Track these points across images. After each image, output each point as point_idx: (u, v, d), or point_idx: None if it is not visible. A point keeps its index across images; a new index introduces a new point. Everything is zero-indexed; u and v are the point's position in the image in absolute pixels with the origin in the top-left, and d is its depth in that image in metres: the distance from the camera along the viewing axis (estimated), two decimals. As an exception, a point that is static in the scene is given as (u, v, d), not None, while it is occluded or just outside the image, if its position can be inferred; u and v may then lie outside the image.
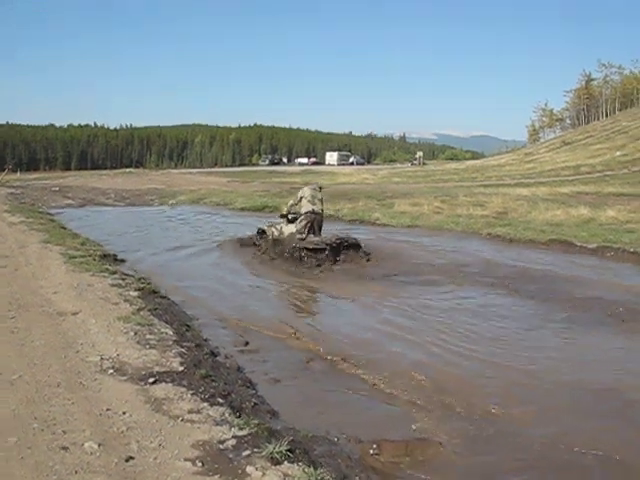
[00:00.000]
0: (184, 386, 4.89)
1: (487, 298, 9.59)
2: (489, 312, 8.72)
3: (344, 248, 12.55)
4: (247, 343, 7.01)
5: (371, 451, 4.49)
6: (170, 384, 4.91)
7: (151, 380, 4.94)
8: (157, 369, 5.24)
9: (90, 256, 10.81)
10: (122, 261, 11.96)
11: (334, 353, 6.71)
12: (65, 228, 16.24)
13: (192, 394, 4.73)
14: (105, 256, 11.44)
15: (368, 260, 12.49)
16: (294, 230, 12.86)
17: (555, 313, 8.71)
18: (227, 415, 4.40)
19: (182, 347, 5.98)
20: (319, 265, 11.97)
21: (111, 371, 5.12)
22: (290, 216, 13.37)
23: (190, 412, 4.39)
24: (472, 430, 4.91)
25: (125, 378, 4.98)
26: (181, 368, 5.31)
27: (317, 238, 12.57)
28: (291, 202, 13.80)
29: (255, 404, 4.99)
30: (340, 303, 9.54)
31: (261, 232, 13.83)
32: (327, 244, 12.30)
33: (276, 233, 13.25)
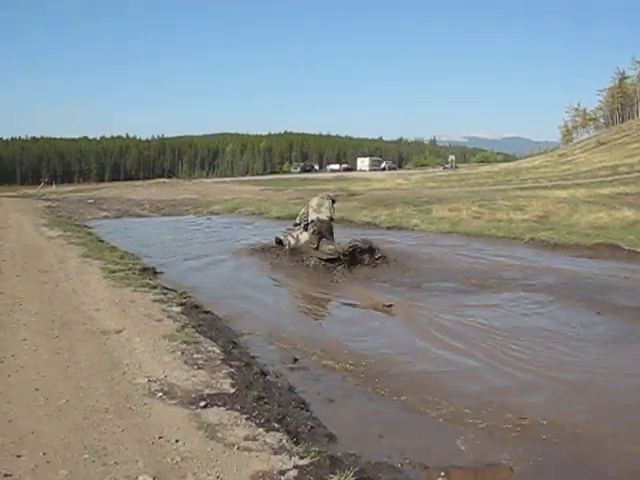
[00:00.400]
0: (237, 410, 4.67)
1: (535, 307, 9.20)
2: (540, 323, 8.36)
3: (359, 254, 12.62)
4: (296, 360, 6.75)
5: (439, 479, 4.20)
6: (222, 408, 4.70)
7: (202, 404, 4.74)
8: (207, 391, 5.03)
9: (130, 270, 10.69)
10: (161, 273, 11.85)
11: (384, 371, 6.43)
12: (102, 241, 16.16)
13: (246, 419, 4.51)
14: (145, 270, 11.32)
15: (377, 262, 12.57)
16: (309, 238, 12.95)
17: (612, 324, 8.28)
18: (285, 442, 4.16)
19: (231, 366, 5.76)
20: (339, 272, 11.97)
21: (160, 394, 4.92)
22: (302, 224, 13.43)
23: (246, 439, 4.17)
24: (541, 454, 4.59)
25: (175, 402, 4.78)
26: (232, 390, 5.10)
27: (331, 246, 12.54)
28: (302, 211, 13.96)
29: (311, 427, 4.73)
30: (373, 316, 9.06)
31: (279, 241, 13.91)
32: (340, 253, 12.35)
33: (292, 242, 13.36)
